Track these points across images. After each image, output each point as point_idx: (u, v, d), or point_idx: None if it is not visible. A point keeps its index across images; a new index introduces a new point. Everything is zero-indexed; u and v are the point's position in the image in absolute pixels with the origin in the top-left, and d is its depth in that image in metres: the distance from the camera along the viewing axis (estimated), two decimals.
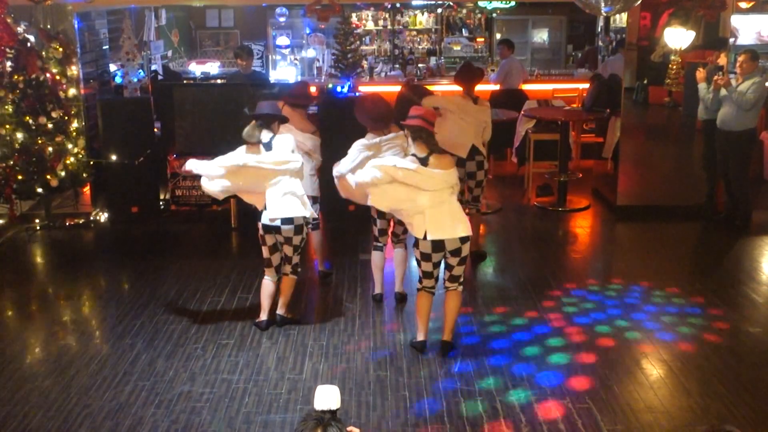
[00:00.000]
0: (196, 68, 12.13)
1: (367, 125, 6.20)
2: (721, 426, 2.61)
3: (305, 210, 5.88)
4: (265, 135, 5.82)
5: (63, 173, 8.14)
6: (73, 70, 8.45)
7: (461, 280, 5.64)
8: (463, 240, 5.45)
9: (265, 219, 5.85)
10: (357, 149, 6.11)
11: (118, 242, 8.34)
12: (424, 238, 5.41)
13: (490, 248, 7.94)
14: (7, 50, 7.81)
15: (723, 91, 8.14)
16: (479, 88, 11.73)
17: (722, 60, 8.98)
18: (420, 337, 5.75)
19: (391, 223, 6.49)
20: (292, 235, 5.88)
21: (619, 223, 8.83)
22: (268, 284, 6.10)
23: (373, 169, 5.44)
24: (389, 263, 6.93)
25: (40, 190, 8.10)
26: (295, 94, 6.76)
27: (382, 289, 6.68)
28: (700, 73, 8.46)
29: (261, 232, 5.96)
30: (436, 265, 5.58)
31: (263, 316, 6.11)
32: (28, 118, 7.98)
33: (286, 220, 5.82)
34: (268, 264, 6.06)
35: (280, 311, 6.13)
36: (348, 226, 8.50)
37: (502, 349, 5.76)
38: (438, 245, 5.45)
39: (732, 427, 2.60)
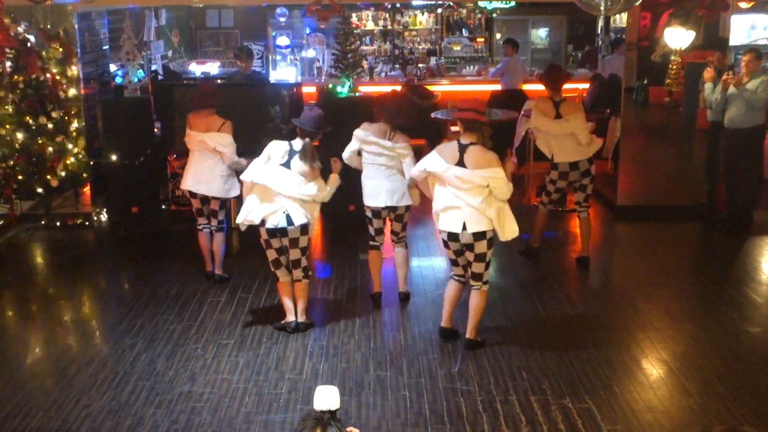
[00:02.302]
0: (196, 68, 12.12)
1: (379, 113, 6.34)
2: (738, 426, 2.60)
3: (307, 214, 5.87)
4: (297, 143, 5.83)
5: (63, 173, 8.14)
6: (73, 70, 8.45)
7: (484, 279, 5.63)
8: (476, 236, 5.45)
9: (269, 223, 5.80)
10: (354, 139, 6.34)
11: (118, 242, 8.34)
12: (442, 229, 5.57)
13: None
14: (7, 50, 7.81)
15: (732, 90, 8.13)
16: (487, 88, 11.75)
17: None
18: (442, 323, 5.86)
19: (387, 222, 6.49)
20: (299, 235, 5.83)
21: (619, 223, 8.83)
22: (284, 284, 6.02)
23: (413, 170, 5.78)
24: (389, 263, 6.94)
25: (40, 190, 8.10)
26: (199, 94, 6.80)
27: (381, 288, 6.68)
28: (708, 73, 8.44)
29: (265, 236, 5.88)
30: (458, 254, 5.62)
31: (290, 317, 6.04)
32: (28, 118, 7.99)
33: (291, 221, 5.79)
34: (278, 265, 5.99)
35: (300, 318, 6.06)
36: (348, 226, 8.50)
37: (502, 348, 5.76)
38: (452, 236, 5.52)
39: (750, 428, 2.58)
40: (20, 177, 8.00)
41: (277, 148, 5.84)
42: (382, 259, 6.68)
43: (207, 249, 7.05)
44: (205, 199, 6.90)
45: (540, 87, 11.71)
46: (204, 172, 6.76)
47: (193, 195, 6.89)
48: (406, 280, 6.70)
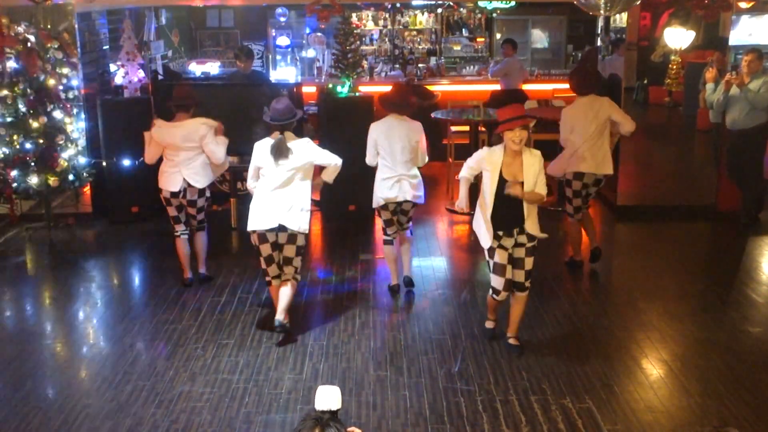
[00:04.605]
0: (196, 68, 12.12)
1: (387, 108, 6.48)
2: (722, 427, 2.60)
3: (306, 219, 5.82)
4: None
5: (63, 173, 8.14)
6: (73, 70, 8.45)
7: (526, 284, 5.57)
8: (530, 238, 5.46)
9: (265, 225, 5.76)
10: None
11: (118, 242, 8.34)
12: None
13: None
14: (7, 50, 7.81)
15: (734, 91, 8.12)
16: (487, 87, 11.68)
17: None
18: (489, 325, 5.98)
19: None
20: (297, 231, 5.76)
21: (619, 223, 8.83)
22: (275, 288, 5.92)
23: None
24: (383, 261, 6.99)
25: (40, 190, 8.10)
26: (178, 97, 6.72)
27: (398, 281, 6.77)
28: (710, 73, 8.42)
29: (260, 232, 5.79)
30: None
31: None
32: (28, 118, 7.98)
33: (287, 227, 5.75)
34: (270, 261, 5.86)
35: (279, 317, 5.82)
36: (348, 226, 8.50)
37: (502, 348, 5.76)
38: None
39: (734, 429, 2.59)
40: (20, 177, 7.99)
41: (264, 151, 5.77)
42: (396, 253, 6.75)
43: (185, 255, 6.94)
44: (181, 207, 6.81)
45: (540, 87, 11.89)
46: (195, 168, 6.67)
47: (169, 203, 6.77)
48: (410, 266, 6.82)
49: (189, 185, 6.71)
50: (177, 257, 7.02)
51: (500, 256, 5.49)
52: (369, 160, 6.52)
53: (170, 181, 6.68)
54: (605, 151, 6.99)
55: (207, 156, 6.68)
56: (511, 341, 5.73)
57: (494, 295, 5.63)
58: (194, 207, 6.85)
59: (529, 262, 5.51)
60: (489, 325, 5.97)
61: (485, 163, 5.42)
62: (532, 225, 5.43)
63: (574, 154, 6.98)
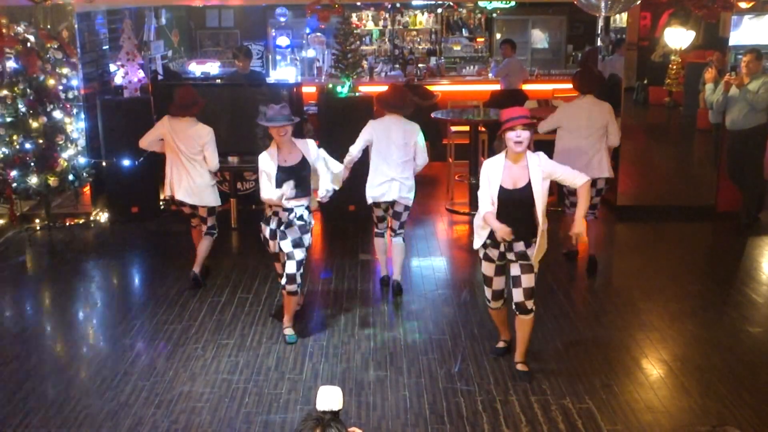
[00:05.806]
0: (196, 68, 12.12)
1: (385, 109, 6.43)
2: (720, 426, 2.60)
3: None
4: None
5: (63, 173, 8.13)
6: (73, 70, 8.45)
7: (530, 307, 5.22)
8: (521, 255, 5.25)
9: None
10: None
11: (118, 242, 8.34)
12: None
13: None
14: (7, 50, 7.81)
15: (733, 91, 8.11)
16: (487, 87, 11.64)
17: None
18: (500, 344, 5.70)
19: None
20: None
21: (619, 223, 8.83)
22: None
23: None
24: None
25: (40, 190, 8.10)
26: (181, 103, 6.61)
27: (388, 271, 6.84)
28: (710, 73, 8.42)
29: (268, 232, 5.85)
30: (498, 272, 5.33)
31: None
32: (28, 118, 7.98)
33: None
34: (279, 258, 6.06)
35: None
36: (348, 226, 8.50)
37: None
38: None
39: (733, 428, 2.59)
40: (20, 177, 7.99)
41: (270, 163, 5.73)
42: (386, 245, 6.78)
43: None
44: (194, 205, 6.85)
45: (540, 87, 11.89)
46: (194, 181, 6.66)
47: (183, 204, 6.81)
48: (401, 271, 6.79)
49: (200, 205, 6.77)
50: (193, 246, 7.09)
51: (486, 268, 5.29)
52: (353, 148, 6.41)
53: (177, 189, 6.71)
54: (602, 155, 6.95)
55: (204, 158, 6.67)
56: (519, 367, 5.37)
57: (487, 303, 5.45)
58: (205, 223, 6.91)
59: (527, 279, 5.13)
60: (499, 345, 5.67)
61: (488, 173, 5.14)
62: (537, 251, 5.14)
63: (569, 155, 6.92)
